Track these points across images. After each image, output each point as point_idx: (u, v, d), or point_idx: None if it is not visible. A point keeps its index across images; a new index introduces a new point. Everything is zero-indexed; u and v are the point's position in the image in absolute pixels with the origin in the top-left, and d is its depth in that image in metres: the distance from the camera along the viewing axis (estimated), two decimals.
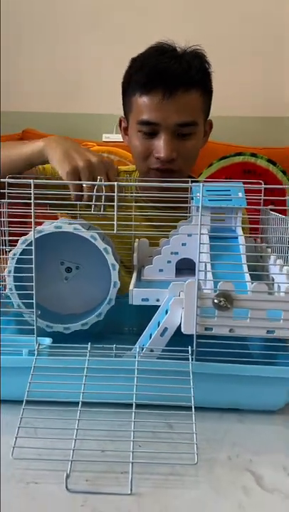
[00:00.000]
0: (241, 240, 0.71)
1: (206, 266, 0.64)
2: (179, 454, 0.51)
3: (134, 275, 0.73)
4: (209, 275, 0.62)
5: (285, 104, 1.90)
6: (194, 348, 0.57)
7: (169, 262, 0.72)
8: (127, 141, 1.02)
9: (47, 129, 1.76)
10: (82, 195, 0.71)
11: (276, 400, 0.59)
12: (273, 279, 0.65)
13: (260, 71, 1.87)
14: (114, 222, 0.61)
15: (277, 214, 0.72)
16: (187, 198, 0.77)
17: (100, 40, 1.88)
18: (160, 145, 0.91)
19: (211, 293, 0.56)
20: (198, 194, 0.73)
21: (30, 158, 0.82)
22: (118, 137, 1.46)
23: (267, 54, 1.87)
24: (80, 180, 0.73)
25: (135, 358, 0.57)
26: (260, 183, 0.82)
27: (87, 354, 0.58)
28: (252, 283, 0.57)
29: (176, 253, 0.72)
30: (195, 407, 0.53)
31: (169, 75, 0.89)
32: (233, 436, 0.55)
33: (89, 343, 0.59)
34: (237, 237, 0.72)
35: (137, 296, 0.65)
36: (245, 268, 0.65)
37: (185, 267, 0.72)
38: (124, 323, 0.79)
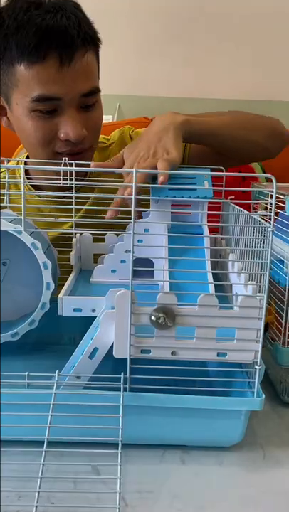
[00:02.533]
0: (206, 241, 0.60)
1: (163, 272, 0.54)
2: (100, 508, 0.40)
3: (71, 277, 0.62)
4: (166, 284, 0.51)
5: (262, 87, 1.79)
6: (128, 375, 0.46)
7: (123, 261, 0.61)
8: (6, 124, 0.80)
9: None
10: None
11: (229, 436, 0.49)
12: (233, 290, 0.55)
13: (246, 54, 1.76)
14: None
15: (240, 208, 0.61)
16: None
17: None
18: (67, 123, 0.72)
19: (148, 307, 0.45)
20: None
21: None
22: None
23: (254, 35, 1.75)
24: None
25: (53, 388, 0.46)
26: (221, 170, 0.70)
27: None
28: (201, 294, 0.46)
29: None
30: (132, 445, 0.42)
31: (62, 35, 0.69)
32: (173, 485, 0.44)
33: None
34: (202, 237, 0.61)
35: (67, 305, 0.54)
36: (209, 277, 0.54)
37: (143, 268, 0.61)
38: (65, 332, 0.67)
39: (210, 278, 0.55)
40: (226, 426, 0.48)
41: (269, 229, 0.45)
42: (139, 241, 0.61)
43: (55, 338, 0.66)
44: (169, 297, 0.45)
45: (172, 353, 0.46)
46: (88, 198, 0.66)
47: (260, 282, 0.47)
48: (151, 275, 0.61)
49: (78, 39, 0.70)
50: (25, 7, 0.70)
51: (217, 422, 0.48)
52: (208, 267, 0.56)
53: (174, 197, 0.61)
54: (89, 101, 0.74)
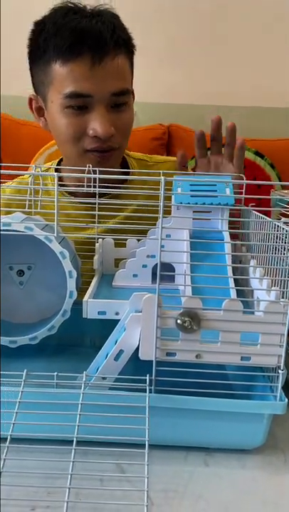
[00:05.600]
0: (228, 247, 0.61)
1: (185, 277, 0.55)
2: (127, 505, 0.41)
3: (94, 281, 0.63)
4: (188, 289, 0.52)
5: (276, 94, 1.79)
6: (154, 376, 0.47)
7: (144, 266, 0.62)
8: (43, 124, 0.85)
9: None
10: None
11: (252, 439, 0.49)
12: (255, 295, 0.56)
13: (247, 58, 1.77)
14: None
15: (262, 215, 0.62)
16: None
17: None
18: (96, 120, 0.76)
19: (174, 311, 0.46)
20: (178, 189, 0.64)
21: None
22: None
23: (254, 40, 1.76)
24: None
25: (81, 388, 0.47)
26: (241, 178, 0.72)
27: (22, 384, 0.47)
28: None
29: (153, 256, 0.62)
30: (156, 446, 0.43)
31: (95, 37, 0.74)
32: (198, 486, 0.45)
33: (25, 370, 0.48)
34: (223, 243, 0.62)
35: (92, 308, 0.55)
36: (231, 282, 0.55)
37: (165, 272, 0.62)
38: (86, 335, 0.69)
39: (231, 283, 0.56)
40: (249, 429, 0.49)
41: None
42: (162, 246, 0.63)
43: (75, 340, 0.67)
44: (194, 301, 0.46)
45: (197, 356, 0.47)
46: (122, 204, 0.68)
47: (283, 288, 0.47)
48: (172, 280, 0.62)
49: (111, 41, 0.75)
50: (64, 13, 0.77)
51: (240, 425, 0.48)
52: (230, 273, 0.57)
53: (196, 204, 0.62)
54: (119, 100, 0.78)
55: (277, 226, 0.52)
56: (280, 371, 0.47)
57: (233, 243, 0.68)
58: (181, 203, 0.62)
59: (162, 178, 0.46)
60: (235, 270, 0.67)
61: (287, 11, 1.71)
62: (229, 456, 0.49)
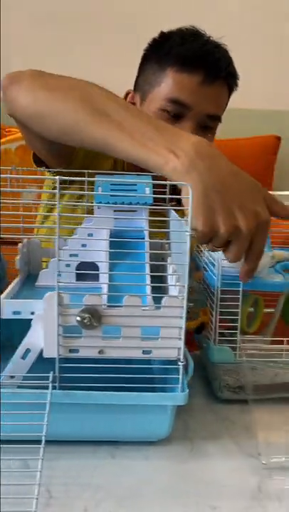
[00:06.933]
0: (147, 246, 0.62)
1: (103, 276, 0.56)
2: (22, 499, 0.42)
3: (15, 282, 0.64)
4: (105, 287, 0.54)
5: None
6: (57, 373, 0.48)
7: (68, 265, 0.63)
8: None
9: None
10: None
11: (157, 431, 0.51)
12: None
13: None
14: None
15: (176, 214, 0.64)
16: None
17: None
18: (184, 130, 0.81)
19: (75, 309, 0.47)
20: (99, 189, 0.66)
21: (138, 161, 0.54)
22: None
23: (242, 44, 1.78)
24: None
25: None
26: (165, 179, 0.73)
27: None
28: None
29: (76, 255, 0.63)
30: (66, 442, 0.45)
31: (214, 61, 0.83)
32: (99, 478, 0.47)
33: None
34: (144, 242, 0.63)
35: (7, 308, 0.56)
36: (147, 279, 0.56)
37: (89, 271, 0.63)
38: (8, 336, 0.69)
39: (148, 280, 0.57)
40: (154, 421, 0.50)
41: (186, 233, 0.47)
42: (84, 245, 0.64)
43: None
44: (94, 298, 0.47)
45: (100, 352, 0.48)
46: None
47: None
48: (96, 279, 0.63)
49: (224, 72, 0.85)
50: (193, 32, 0.87)
51: (145, 418, 0.50)
52: (148, 270, 0.59)
53: (115, 203, 0.63)
54: (210, 123, 0.86)
55: (180, 224, 0.54)
56: (179, 363, 0.49)
57: (158, 242, 0.70)
58: (101, 202, 0.64)
59: (58, 177, 0.47)
60: (157, 268, 0.69)
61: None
62: (136, 448, 0.51)
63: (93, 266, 0.62)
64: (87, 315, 0.47)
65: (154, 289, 0.55)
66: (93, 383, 0.48)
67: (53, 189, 0.89)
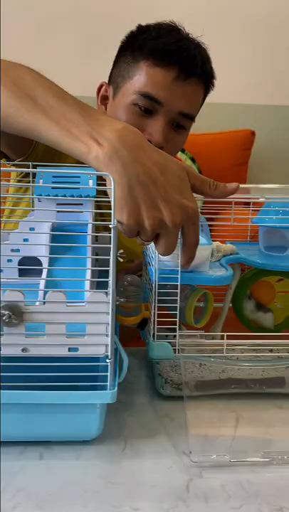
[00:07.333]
0: (89, 240, 0.61)
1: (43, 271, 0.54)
2: None
3: None
4: (43, 282, 0.52)
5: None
6: None
7: (9, 260, 0.61)
8: (101, 112, 0.87)
9: None
10: None
11: (88, 430, 0.49)
12: None
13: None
14: None
15: None
16: None
17: None
18: (155, 127, 0.80)
19: None
20: (40, 181, 0.64)
21: (65, 150, 0.50)
22: None
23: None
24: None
25: None
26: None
27: None
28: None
29: (18, 250, 0.61)
30: None
31: (189, 57, 0.81)
32: (23, 480, 0.45)
33: None
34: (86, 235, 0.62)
35: None
36: (87, 274, 0.55)
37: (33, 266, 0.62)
38: None
39: (88, 275, 0.55)
40: (84, 420, 0.49)
41: (111, 225, 0.46)
42: (25, 240, 0.62)
43: None
44: (15, 294, 0.46)
45: (23, 350, 0.46)
46: None
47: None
48: (40, 274, 0.62)
49: (200, 69, 0.83)
50: (170, 29, 0.84)
51: (74, 417, 0.48)
52: (89, 265, 0.57)
53: (57, 195, 0.62)
54: (182, 121, 0.84)
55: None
56: (107, 360, 0.47)
57: (103, 235, 0.68)
58: (41, 194, 0.62)
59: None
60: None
61: None
62: (67, 448, 0.49)
63: (38, 261, 0.60)
64: (6, 312, 0.45)
65: (100, 285, 0.54)
66: (22, 382, 0.46)
67: (18, 182, 0.87)
